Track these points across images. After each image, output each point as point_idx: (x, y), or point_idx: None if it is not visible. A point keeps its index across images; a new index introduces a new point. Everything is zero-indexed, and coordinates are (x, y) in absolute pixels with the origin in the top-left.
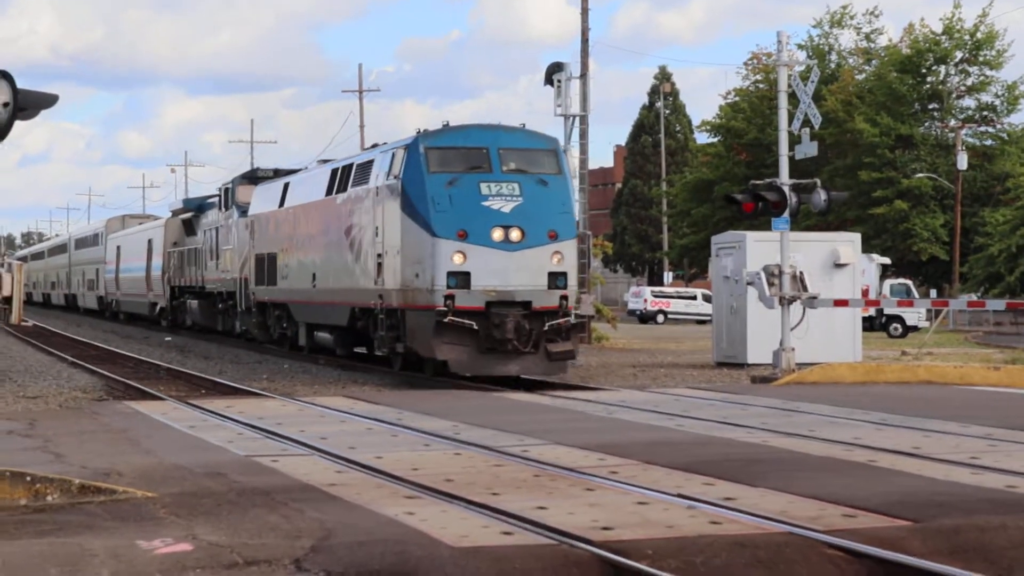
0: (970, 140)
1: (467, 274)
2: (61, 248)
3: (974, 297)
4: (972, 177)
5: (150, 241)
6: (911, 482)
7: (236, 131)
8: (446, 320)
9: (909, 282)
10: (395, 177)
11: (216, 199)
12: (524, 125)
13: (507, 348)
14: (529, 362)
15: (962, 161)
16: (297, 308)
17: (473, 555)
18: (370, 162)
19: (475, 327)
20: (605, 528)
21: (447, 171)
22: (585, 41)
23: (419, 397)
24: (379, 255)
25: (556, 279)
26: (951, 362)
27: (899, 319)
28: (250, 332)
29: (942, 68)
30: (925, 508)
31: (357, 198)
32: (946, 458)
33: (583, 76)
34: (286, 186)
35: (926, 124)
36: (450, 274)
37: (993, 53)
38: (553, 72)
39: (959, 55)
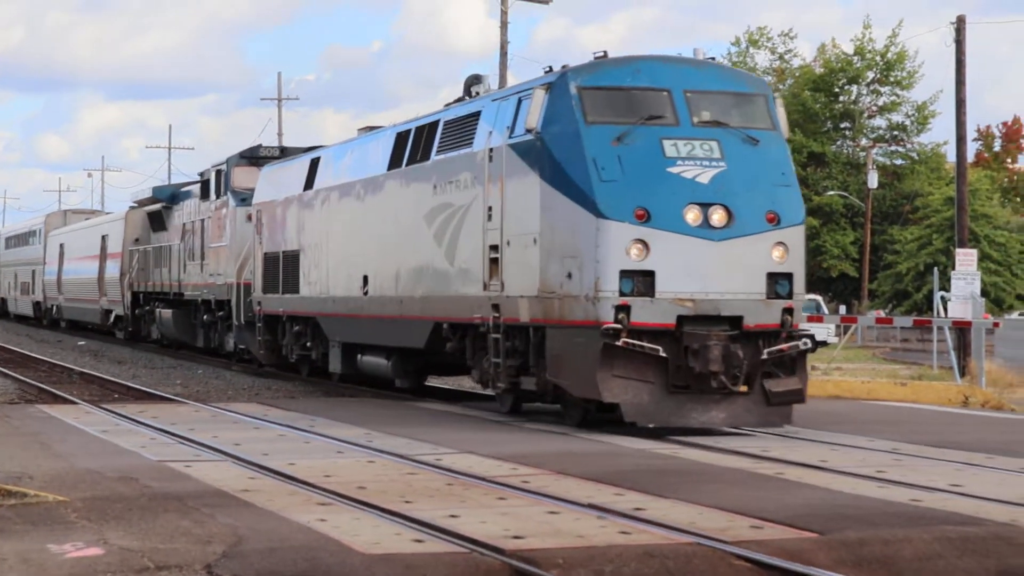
0: (881, 159)
1: (649, 274)
2: None
3: (882, 314)
4: (882, 195)
5: (104, 238)
6: (818, 495)
7: (154, 137)
8: (619, 343)
9: (819, 298)
10: (529, 131)
11: (195, 187)
12: (714, 59)
13: (709, 386)
14: (740, 407)
15: (872, 180)
16: (333, 323)
17: (384, 562)
18: (474, 115)
19: (662, 354)
20: (516, 537)
21: (613, 121)
22: (504, 54)
23: (332, 405)
24: (494, 247)
25: (777, 283)
26: (859, 377)
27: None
28: (250, 352)
29: (854, 88)
30: (831, 520)
31: (449, 168)
32: (852, 471)
33: (501, 88)
34: (315, 162)
35: (838, 143)
36: (624, 274)
37: (904, 74)
38: (471, 84)
39: (871, 75)
